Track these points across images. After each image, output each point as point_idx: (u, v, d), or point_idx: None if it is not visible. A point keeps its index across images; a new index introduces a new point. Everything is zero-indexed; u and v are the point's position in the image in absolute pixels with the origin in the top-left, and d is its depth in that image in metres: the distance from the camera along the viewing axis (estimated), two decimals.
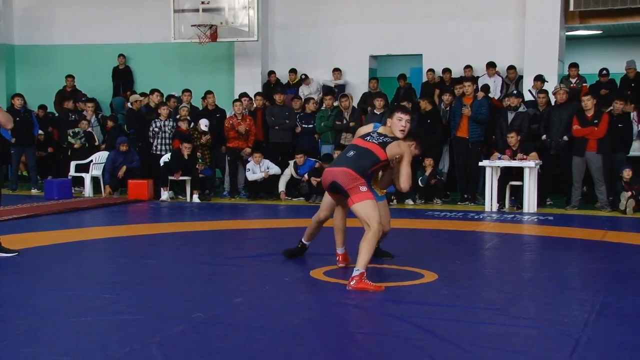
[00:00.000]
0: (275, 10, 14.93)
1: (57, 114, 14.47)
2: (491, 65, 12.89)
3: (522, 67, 13.08)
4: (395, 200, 11.26)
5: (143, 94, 13.97)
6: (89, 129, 13.22)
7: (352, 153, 5.62)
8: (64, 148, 13.40)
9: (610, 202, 10.54)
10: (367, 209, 5.36)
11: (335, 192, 5.69)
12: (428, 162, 11.39)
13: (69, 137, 13.01)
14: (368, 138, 5.74)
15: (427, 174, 11.32)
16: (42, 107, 14.55)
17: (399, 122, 5.71)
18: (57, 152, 13.87)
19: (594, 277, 6.11)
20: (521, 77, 13.03)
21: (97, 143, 13.25)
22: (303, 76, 14.03)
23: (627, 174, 10.27)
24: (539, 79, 12.13)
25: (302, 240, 6.51)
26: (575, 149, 10.52)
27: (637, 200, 10.19)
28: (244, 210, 10.99)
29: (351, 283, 5.23)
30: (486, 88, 12.17)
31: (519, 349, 3.99)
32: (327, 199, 6.11)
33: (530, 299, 5.19)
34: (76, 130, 13.04)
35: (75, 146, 12.93)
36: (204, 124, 12.24)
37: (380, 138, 5.70)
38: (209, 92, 12.93)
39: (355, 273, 5.26)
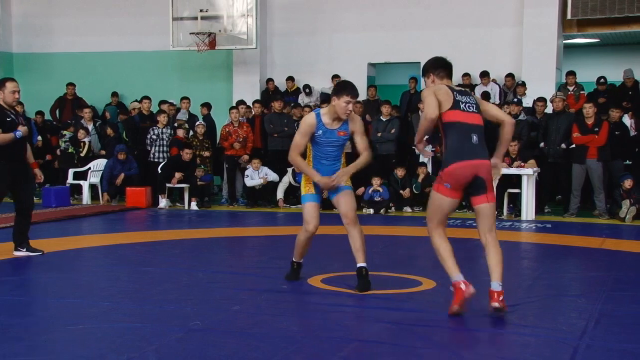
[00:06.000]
0: (274, 18, 14.96)
1: (53, 122, 14.45)
2: (485, 75, 12.92)
3: (520, 75, 13.11)
4: (393, 208, 11.27)
5: None
6: (86, 139, 13.09)
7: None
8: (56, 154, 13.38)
9: (607, 209, 10.55)
10: None
11: None
12: (421, 170, 11.41)
13: (60, 141, 12.95)
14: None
15: (419, 180, 11.34)
16: (40, 113, 14.53)
17: (347, 106, 5.42)
18: (55, 159, 13.82)
19: (593, 284, 6.10)
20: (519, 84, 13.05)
21: (90, 153, 13.04)
22: (307, 90, 14.01)
23: (628, 184, 10.27)
24: (520, 84, 12.43)
25: (294, 259, 5.97)
26: (576, 156, 10.53)
27: (637, 208, 10.19)
28: (242, 217, 10.98)
29: None
30: (486, 95, 12.18)
31: (518, 356, 3.99)
32: (312, 208, 5.81)
33: (528, 306, 5.18)
34: (63, 132, 13.01)
35: (60, 148, 12.85)
36: (200, 123, 12.49)
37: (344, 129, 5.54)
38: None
39: None
